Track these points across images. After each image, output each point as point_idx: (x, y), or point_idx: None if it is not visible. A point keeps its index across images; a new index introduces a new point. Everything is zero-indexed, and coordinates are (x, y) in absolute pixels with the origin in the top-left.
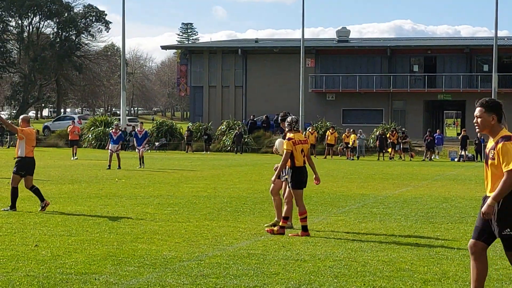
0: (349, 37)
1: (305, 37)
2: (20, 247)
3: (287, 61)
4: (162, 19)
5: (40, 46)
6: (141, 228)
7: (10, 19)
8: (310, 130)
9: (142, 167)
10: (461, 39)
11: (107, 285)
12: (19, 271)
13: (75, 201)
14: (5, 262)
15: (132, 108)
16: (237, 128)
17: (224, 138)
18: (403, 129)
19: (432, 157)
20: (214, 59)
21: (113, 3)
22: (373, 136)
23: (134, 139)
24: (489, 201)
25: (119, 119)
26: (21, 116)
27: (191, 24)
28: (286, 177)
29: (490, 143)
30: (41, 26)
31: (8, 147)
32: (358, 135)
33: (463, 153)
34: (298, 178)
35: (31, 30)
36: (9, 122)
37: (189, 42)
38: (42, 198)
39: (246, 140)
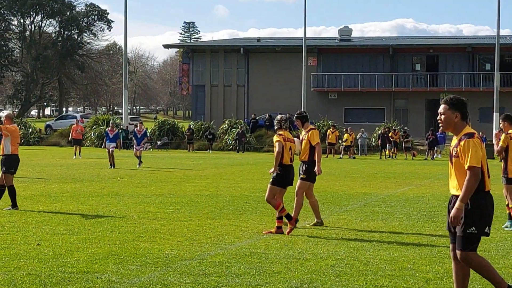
0: (351, 36)
1: (307, 36)
2: (22, 245)
3: (289, 60)
4: (164, 18)
5: (42, 45)
6: (143, 226)
7: (12, 18)
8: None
9: (139, 166)
10: (463, 38)
11: (109, 283)
12: (21, 269)
13: (77, 199)
14: (7, 260)
15: (134, 107)
16: (239, 127)
17: (226, 137)
18: (405, 128)
19: (434, 156)
20: (216, 58)
21: (115, 2)
22: (375, 135)
23: (134, 138)
24: (457, 204)
25: (121, 118)
26: (5, 114)
27: (193, 23)
28: (302, 176)
29: (454, 141)
30: (43, 25)
31: None
32: (360, 134)
33: None
34: (282, 176)
35: (33, 29)
36: None
37: (191, 41)
38: (15, 204)
39: (248, 139)
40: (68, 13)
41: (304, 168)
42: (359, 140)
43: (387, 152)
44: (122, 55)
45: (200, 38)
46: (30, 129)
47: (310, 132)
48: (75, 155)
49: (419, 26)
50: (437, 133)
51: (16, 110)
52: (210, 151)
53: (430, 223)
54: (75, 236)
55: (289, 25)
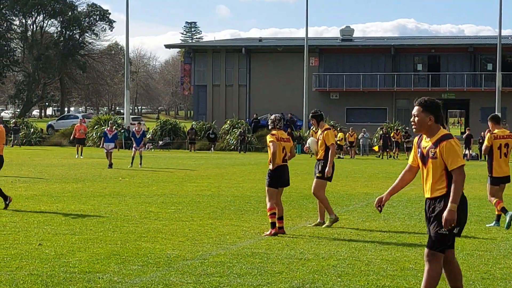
0: (353, 36)
1: (308, 36)
2: (24, 245)
3: (291, 60)
4: (165, 18)
5: (44, 45)
6: (145, 227)
7: (14, 18)
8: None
9: (140, 166)
10: (464, 38)
11: (110, 283)
12: (22, 269)
13: (78, 199)
14: (9, 260)
15: (136, 107)
16: (241, 127)
17: (227, 137)
18: (407, 128)
19: None
20: (217, 58)
21: (116, 2)
22: (376, 135)
23: (132, 138)
24: (450, 206)
25: (123, 118)
26: None
27: (195, 23)
28: (318, 174)
29: (427, 142)
30: (45, 25)
31: (12, 146)
32: (362, 134)
33: (467, 152)
34: (275, 177)
35: (35, 29)
36: None
37: (193, 41)
38: (5, 197)
39: (249, 139)
40: (69, 13)
41: (320, 167)
42: (360, 140)
43: (390, 152)
44: (124, 55)
45: (201, 38)
46: (32, 129)
47: (325, 133)
48: (77, 154)
49: (421, 26)
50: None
51: (18, 110)
52: (212, 151)
53: None
54: (77, 236)
55: (291, 25)
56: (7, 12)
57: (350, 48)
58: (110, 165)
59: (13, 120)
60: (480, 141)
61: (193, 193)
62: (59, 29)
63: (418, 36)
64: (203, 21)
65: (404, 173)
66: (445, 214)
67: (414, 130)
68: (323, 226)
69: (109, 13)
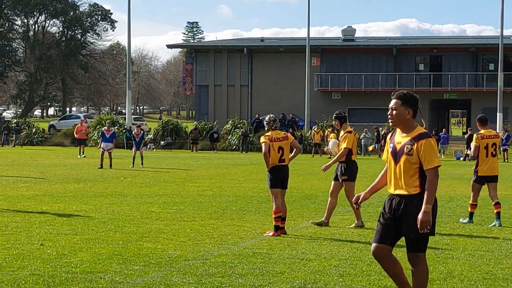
0: (355, 36)
1: (310, 36)
2: (26, 246)
3: (293, 60)
4: (167, 18)
5: (46, 45)
6: (147, 227)
7: (16, 18)
8: (315, 129)
9: (142, 166)
10: (466, 38)
11: (112, 284)
12: (24, 270)
13: (80, 200)
14: (10, 260)
15: (137, 107)
16: (243, 127)
17: (229, 137)
18: None
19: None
20: (219, 58)
21: (118, 2)
22: (376, 134)
23: (133, 141)
24: (424, 207)
25: (125, 118)
26: None
27: (197, 23)
28: (343, 177)
29: (403, 138)
30: (46, 25)
31: (14, 146)
32: (364, 134)
33: (468, 152)
34: (274, 177)
35: (36, 29)
36: None
37: (195, 41)
38: None
39: (251, 139)
40: (71, 13)
41: (343, 169)
42: (362, 140)
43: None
44: (126, 55)
45: (203, 38)
46: (34, 129)
47: (345, 135)
48: (79, 154)
49: (423, 26)
50: (440, 133)
51: (20, 110)
52: (214, 151)
53: None
54: (79, 236)
55: (293, 25)
56: (9, 12)
57: (352, 48)
58: (101, 166)
59: (15, 120)
60: None
61: (195, 193)
62: (61, 29)
63: (420, 36)
64: (205, 21)
65: (385, 171)
66: (420, 215)
67: (391, 123)
68: (351, 226)
69: (111, 13)
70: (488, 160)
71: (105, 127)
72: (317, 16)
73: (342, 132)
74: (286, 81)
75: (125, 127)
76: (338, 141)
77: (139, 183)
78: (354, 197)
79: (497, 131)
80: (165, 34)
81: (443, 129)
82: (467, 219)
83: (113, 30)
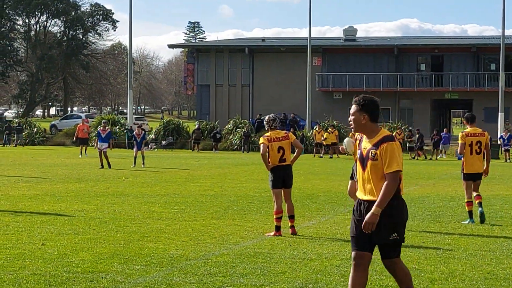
0: (356, 36)
1: (311, 35)
2: (27, 245)
3: (294, 60)
4: (168, 18)
5: (47, 45)
6: (148, 226)
7: (17, 17)
8: (316, 129)
9: (143, 166)
10: (468, 38)
11: (113, 283)
12: (26, 269)
13: (82, 199)
14: (12, 260)
15: (139, 107)
16: (245, 127)
17: (231, 137)
18: (410, 128)
19: (438, 156)
20: (221, 58)
21: (119, 1)
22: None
23: (134, 141)
24: (374, 209)
25: (126, 118)
26: None
27: (198, 23)
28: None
29: (368, 143)
30: (48, 24)
31: (15, 146)
32: None
33: None
34: (275, 178)
35: (38, 28)
36: None
37: (196, 40)
38: None
39: (253, 139)
40: (73, 13)
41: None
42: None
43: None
44: (127, 55)
45: (205, 38)
46: (35, 129)
47: None
48: (80, 154)
49: (424, 26)
50: (442, 133)
51: (21, 110)
52: (216, 151)
53: (434, 223)
54: (80, 236)
55: (294, 25)
56: (11, 12)
57: (353, 48)
58: (103, 165)
59: (17, 120)
60: None
61: (196, 193)
62: (62, 29)
63: (421, 36)
64: (206, 21)
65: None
66: (367, 217)
67: (352, 129)
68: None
69: (112, 13)
70: (472, 157)
71: (101, 127)
72: (319, 16)
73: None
74: (287, 81)
75: (127, 127)
76: (354, 140)
77: (140, 183)
78: None
79: (499, 131)
80: (167, 34)
81: (444, 129)
82: (468, 220)
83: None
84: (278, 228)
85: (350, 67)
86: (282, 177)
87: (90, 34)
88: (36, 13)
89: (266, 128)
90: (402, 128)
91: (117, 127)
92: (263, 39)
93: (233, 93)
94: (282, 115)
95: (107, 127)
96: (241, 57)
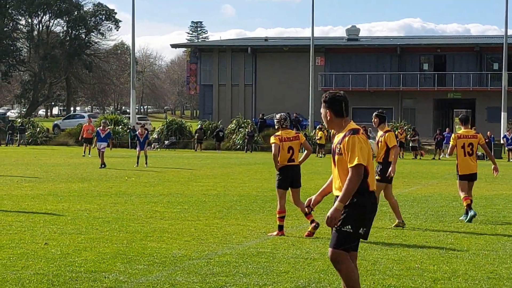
0: (359, 35)
1: (314, 35)
2: (30, 245)
3: (297, 59)
4: (171, 18)
5: (50, 45)
6: (151, 226)
7: (20, 17)
8: (319, 128)
9: (146, 165)
10: (471, 37)
11: (116, 283)
12: (28, 269)
13: (84, 199)
14: (15, 260)
15: (142, 107)
16: (248, 126)
17: (234, 136)
18: (413, 127)
19: (441, 156)
20: (223, 57)
21: (122, 1)
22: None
23: (137, 141)
24: (336, 204)
25: (129, 118)
26: None
27: (201, 22)
28: (377, 178)
29: (336, 138)
30: (51, 24)
31: (18, 146)
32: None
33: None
34: (282, 178)
35: (41, 28)
36: None
37: (199, 40)
38: None
39: (256, 138)
40: (75, 13)
41: (379, 169)
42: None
43: None
44: (130, 54)
45: (207, 38)
46: (38, 129)
47: (387, 134)
48: (84, 152)
49: (427, 26)
50: (444, 133)
51: (24, 109)
52: (219, 151)
53: (437, 223)
54: (83, 236)
55: (297, 24)
56: (13, 11)
57: (356, 47)
58: (102, 165)
59: (19, 120)
60: (486, 140)
61: (199, 192)
62: (65, 28)
63: (424, 36)
64: (208, 21)
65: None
66: (329, 211)
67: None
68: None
69: (115, 13)
70: (466, 159)
71: (100, 127)
72: (321, 15)
73: (380, 133)
74: (290, 80)
75: (129, 126)
76: (377, 141)
77: (143, 182)
78: (306, 200)
79: (502, 130)
80: (169, 34)
81: (447, 129)
82: (464, 215)
83: (117, 30)
84: (280, 228)
85: (352, 67)
86: (290, 177)
87: (93, 34)
88: (39, 12)
89: (276, 127)
90: (405, 128)
91: (120, 126)
92: (266, 39)
93: (235, 93)
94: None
95: (106, 127)
96: (244, 57)
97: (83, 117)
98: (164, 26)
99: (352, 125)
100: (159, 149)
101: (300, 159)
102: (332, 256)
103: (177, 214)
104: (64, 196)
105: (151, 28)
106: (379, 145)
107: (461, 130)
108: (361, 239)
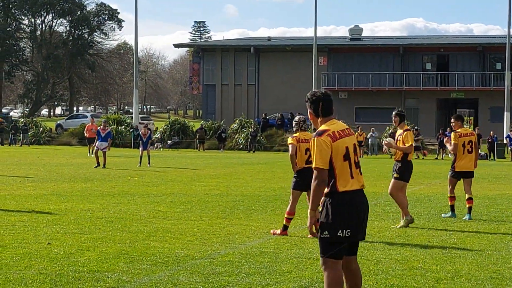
0: (362, 35)
1: (317, 35)
2: (33, 245)
3: (300, 59)
4: (174, 18)
5: (53, 45)
6: (154, 226)
7: (23, 17)
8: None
9: (149, 165)
10: (473, 37)
11: (119, 283)
12: (31, 269)
13: (87, 199)
14: (18, 260)
15: (144, 106)
16: (251, 126)
17: (236, 136)
18: (416, 127)
19: (443, 156)
20: (226, 57)
21: (125, 1)
22: (385, 134)
23: (140, 141)
24: (308, 213)
25: (132, 117)
26: None
27: (204, 22)
28: (395, 175)
29: None
30: (54, 24)
31: (21, 145)
32: (371, 133)
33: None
34: (299, 180)
35: (44, 28)
36: None
37: (202, 40)
38: None
39: (258, 138)
40: (78, 13)
41: (397, 167)
42: (369, 140)
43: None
44: (133, 54)
45: (210, 38)
46: (41, 129)
47: (405, 133)
48: (89, 152)
49: (430, 26)
50: (446, 133)
51: (27, 109)
52: (222, 151)
53: (440, 223)
54: (86, 236)
55: (300, 24)
56: (16, 11)
57: (359, 47)
58: (98, 164)
59: (22, 120)
60: (489, 140)
61: (202, 192)
62: (68, 28)
63: (427, 36)
64: (211, 21)
65: None
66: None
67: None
68: (398, 226)
69: (118, 13)
70: (464, 156)
71: (101, 126)
72: (324, 15)
73: (399, 131)
74: (293, 80)
75: (133, 126)
76: (395, 140)
77: (146, 182)
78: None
79: (504, 130)
80: (172, 34)
81: (448, 128)
82: (449, 213)
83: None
84: (285, 228)
85: (355, 67)
86: (307, 180)
87: (96, 34)
88: (42, 12)
89: (295, 129)
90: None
91: (123, 126)
92: (269, 39)
93: (238, 93)
94: (289, 115)
95: (107, 127)
96: (247, 57)
97: (86, 117)
98: (167, 26)
99: (327, 125)
100: (162, 149)
101: None
102: (321, 263)
103: (180, 214)
104: (67, 196)
105: (154, 28)
106: (398, 144)
107: (459, 129)
108: (361, 240)
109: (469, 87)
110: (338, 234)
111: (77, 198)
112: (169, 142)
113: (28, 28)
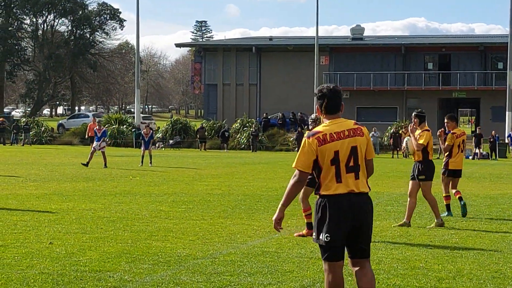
0: (363, 35)
1: (319, 35)
2: (35, 244)
3: (301, 59)
4: (175, 17)
5: (55, 44)
6: (155, 225)
7: (25, 17)
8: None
9: (151, 165)
10: (475, 36)
11: (121, 282)
12: (33, 268)
13: (89, 198)
14: (19, 259)
15: (146, 106)
16: (253, 126)
17: (238, 136)
18: None
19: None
20: (228, 57)
21: (127, 1)
22: (387, 134)
23: (142, 140)
24: (278, 207)
25: (134, 117)
26: None
27: (205, 22)
28: (421, 177)
29: None
30: (55, 24)
31: (23, 145)
32: (372, 132)
33: (477, 151)
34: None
35: (45, 28)
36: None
37: (203, 40)
38: None
39: (260, 138)
40: (80, 12)
41: (421, 168)
42: (371, 140)
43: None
44: (134, 54)
45: (212, 37)
46: (43, 128)
47: (422, 133)
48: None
49: (431, 25)
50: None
51: (29, 109)
52: (226, 150)
53: None
54: (88, 235)
55: (301, 24)
56: (18, 11)
57: (361, 47)
58: (86, 164)
59: (24, 119)
60: (491, 140)
61: (204, 192)
62: (69, 28)
63: (429, 35)
64: (213, 20)
65: None
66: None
67: None
68: (430, 227)
69: (120, 12)
70: (458, 155)
71: (96, 126)
72: (326, 15)
73: (419, 131)
74: (295, 80)
75: (134, 125)
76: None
77: (148, 182)
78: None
79: (506, 129)
80: (174, 33)
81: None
82: (446, 213)
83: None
84: (310, 226)
85: (357, 66)
86: None
87: (98, 33)
88: (44, 12)
89: (311, 128)
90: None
91: (125, 126)
92: (271, 38)
93: (240, 92)
94: (291, 114)
95: (102, 126)
96: (249, 56)
97: (88, 116)
98: (169, 26)
99: (326, 125)
100: (163, 149)
101: None
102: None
103: (182, 214)
104: (68, 195)
105: (156, 28)
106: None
107: (455, 129)
108: (358, 246)
109: (470, 86)
110: (320, 237)
111: (79, 197)
112: (171, 141)
113: (29, 27)
